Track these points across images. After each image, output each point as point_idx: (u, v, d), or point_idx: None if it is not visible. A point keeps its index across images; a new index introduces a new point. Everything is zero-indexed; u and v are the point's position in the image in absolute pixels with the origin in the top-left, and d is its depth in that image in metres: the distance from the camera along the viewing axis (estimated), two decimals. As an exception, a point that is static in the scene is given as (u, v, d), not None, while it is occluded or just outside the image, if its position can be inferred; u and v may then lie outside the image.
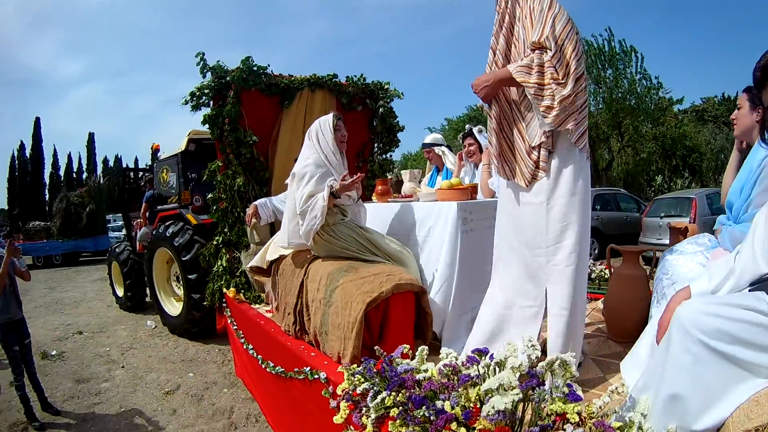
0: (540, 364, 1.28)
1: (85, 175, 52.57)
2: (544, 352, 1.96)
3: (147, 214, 7.37)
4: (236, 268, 3.96)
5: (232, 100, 3.80)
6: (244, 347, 3.20)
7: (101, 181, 18.73)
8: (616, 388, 1.28)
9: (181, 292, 5.95)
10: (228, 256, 4.03)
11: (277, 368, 2.54)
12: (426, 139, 4.38)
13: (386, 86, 4.77)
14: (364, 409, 1.57)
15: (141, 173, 9.37)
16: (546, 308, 2.05)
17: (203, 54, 3.87)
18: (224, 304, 3.91)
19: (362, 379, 1.66)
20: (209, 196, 4.21)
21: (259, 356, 2.88)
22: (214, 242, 4.17)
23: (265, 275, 3.27)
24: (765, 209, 1.43)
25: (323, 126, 2.69)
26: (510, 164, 2.04)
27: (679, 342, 1.23)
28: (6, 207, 45.81)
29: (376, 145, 5.01)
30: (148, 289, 7.27)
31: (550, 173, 1.93)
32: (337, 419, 1.69)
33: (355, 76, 4.60)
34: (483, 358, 1.42)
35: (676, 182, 18.66)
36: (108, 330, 7.02)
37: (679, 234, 2.81)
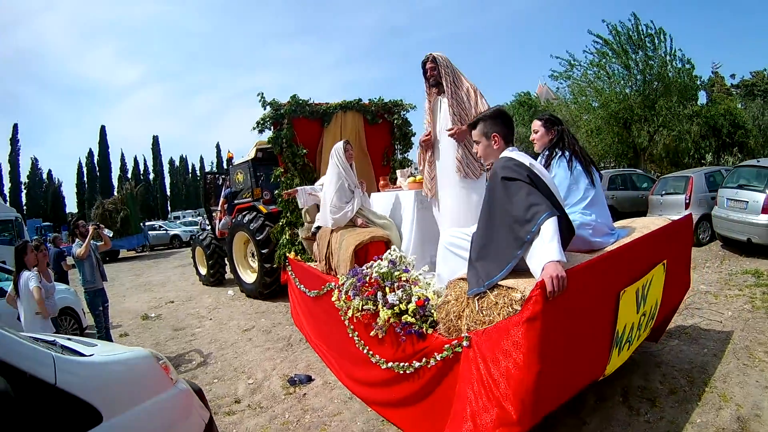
0: (400, 258, 3.49)
1: (152, 176, 59.51)
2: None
3: (226, 206, 10.07)
4: (295, 240, 6.32)
5: (287, 126, 6.19)
6: (299, 287, 5.55)
7: (134, 188, 23.28)
8: (425, 269, 3.44)
9: (255, 265, 8.54)
10: (290, 231, 6.43)
11: (315, 291, 4.85)
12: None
13: (400, 102, 6.99)
14: (342, 289, 3.81)
15: (218, 176, 12.31)
16: None
17: (263, 93, 6.25)
18: (287, 264, 6.28)
19: (344, 278, 3.89)
20: (276, 191, 6.61)
21: (306, 289, 5.22)
22: (280, 223, 6.60)
23: (312, 240, 5.59)
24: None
25: (338, 149, 5.00)
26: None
27: (439, 248, 3.28)
28: (76, 210, 52.74)
29: (396, 147, 7.24)
30: (227, 265, 9.99)
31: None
32: (333, 299, 3.94)
33: (376, 98, 6.87)
34: (383, 257, 3.61)
35: (726, 159, 19.29)
36: (195, 299, 9.83)
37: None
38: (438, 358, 2.78)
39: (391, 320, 3.11)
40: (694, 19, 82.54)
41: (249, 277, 8.96)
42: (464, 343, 2.62)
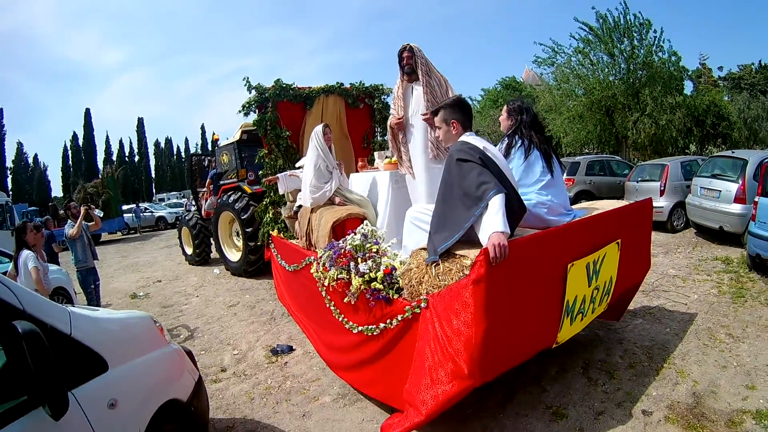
0: (371, 232, 3.83)
1: (137, 158, 59.36)
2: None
3: (211, 187, 10.34)
4: (278, 218, 6.63)
5: (271, 109, 6.46)
6: (281, 263, 5.87)
7: (115, 171, 23.45)
8: (393, 241, 3.79)
9: (240, 243, 8.87)
10: (273, 210, 6.72)
11: (295, 265, 5.18)
12: None
13: (380, 87, 7.29)
14: (320, 262, 4.14)
15: (204, 157, 12.56)
16: None
17: (248, 78, 6.47)
18: (270, 242, 6.60)
19: (322, 252, 4.22)
20: (260, 172, 6.91)
21: (286, 264, 5.54)
22: (264, 203, 6.89)
23: (294, 218, 5.91)
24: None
25: (317, 132, 5.30)
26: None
27: (405, 222, 3.71)
28: (62, 195, 52.44)
29: (376, 130, 7.55)
30: (213, 245, 10.30)
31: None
32: (312, 271, 4.27)
33: (356, 82, 7.16)
34: (356, 231, 3.94)
35: (710, 150, 19.76)
36: (182, 278, 10.11)
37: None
38: (399, 318, 3.14)
39: (362, 287, 3.46)
40: (683, 10, 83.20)
41: (234, 255, 9.28)
42: (422, 305, 2.97)
